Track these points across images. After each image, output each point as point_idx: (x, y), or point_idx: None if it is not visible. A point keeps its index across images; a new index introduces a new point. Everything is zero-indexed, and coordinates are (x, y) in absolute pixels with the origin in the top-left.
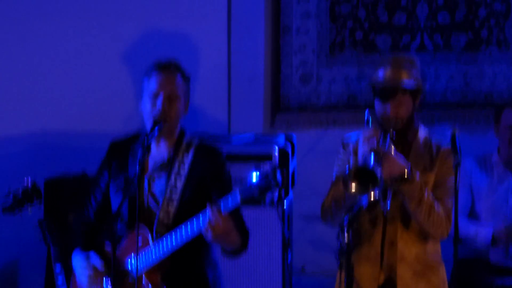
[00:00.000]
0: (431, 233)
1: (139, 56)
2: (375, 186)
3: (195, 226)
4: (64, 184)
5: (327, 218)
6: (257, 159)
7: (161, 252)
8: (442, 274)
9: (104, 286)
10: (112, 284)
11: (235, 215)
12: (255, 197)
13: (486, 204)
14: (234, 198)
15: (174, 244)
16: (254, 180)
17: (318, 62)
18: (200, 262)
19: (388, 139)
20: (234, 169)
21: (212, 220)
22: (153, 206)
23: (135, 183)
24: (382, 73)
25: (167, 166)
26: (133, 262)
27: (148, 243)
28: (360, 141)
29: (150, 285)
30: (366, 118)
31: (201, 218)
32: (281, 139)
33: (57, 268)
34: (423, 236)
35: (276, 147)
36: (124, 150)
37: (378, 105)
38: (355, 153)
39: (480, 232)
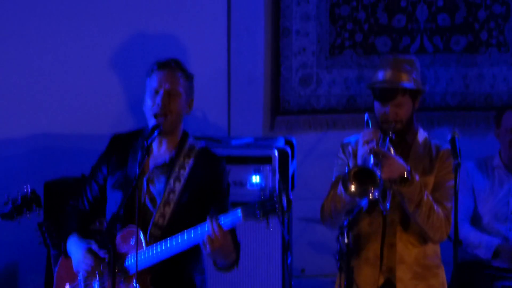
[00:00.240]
0: (431, 235)
1: (139, 58)
2: (374, 187)
3: (193, 237)
4: (64, 187)
5: (326, 221)
6: (257, 162)
7: (155, 257)
8: (442, 276)
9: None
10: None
11: (231, 230)
12: (257, 217)
13: (487, 207)
14: (236, 216)
15: (169, 251)
16: (257, 199)
17: (317, 65)
18: (189, 266)
19: (388, 140)
20: (233, 171)
21: (211, 234)
22: (149, 207)
23: (134, 186)
24: (382, 75)
25: (167, 168)
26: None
27: (141, 246)
28: (360, 142)
29: (138, 286)
30: (365, 120)
31: (199, 230)
32: (281, 141)
33: (56, 269)
34: (423, 239)
35: (276, 150)
36: (125, 146)
37: (377, 106)
38: (355, 155)
39: (484, 242)
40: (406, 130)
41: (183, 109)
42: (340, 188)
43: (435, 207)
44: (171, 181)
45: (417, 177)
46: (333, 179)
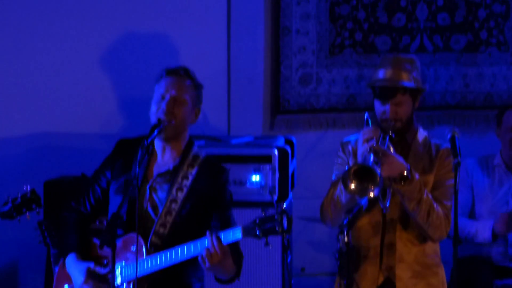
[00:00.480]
0: (430, 234)
1: (140, 57)
2: (374, 186)
3: (192, 250)
4: (64, 186)
5: (326, 219)
6: (257, 161)
7: (153, 266)
8: (441, 275)
9: None
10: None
11: (233, 243)
12: (257, 235)
13: (486, 206)
14: (236, 233)
15: (168, 262)
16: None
17: (317, 64)
18: (188, 273)
19: (388, 139)
20: (233, 170)
21: (210, 249)
22: (151, 214)
23: (134, 184)
24: (382, 73)
25: (170, 177)
26: (124, 268)
27: (141, 254)
28: (360, 141)
29: None
30: (365, 119)
31: (199, 244)
32: (281, 140)
33: (57, 269)
34: (422, 237)
35: (276, 149)
36: (131, 151)
37: (377, 105)
38: (355, 154)
39: (480, 228)
40: (406, 129)
41: (188, 117)
42: (340, 186)
43: (435, 205)
44: (174, 190)
45: (417, 176)
46: (333, 178)
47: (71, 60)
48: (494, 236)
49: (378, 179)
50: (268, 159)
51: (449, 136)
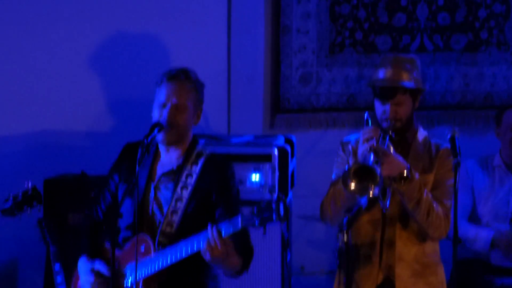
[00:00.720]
0: (430, 233)
1: (141, 56)
2: (374, 185)
3: (195, 244)
4: (64, 184)
5: (326, 218)
6: (257, 160)
7: (160, 263)
8: (441, 274)
9: None
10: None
11: (239, 236)
12: (256, 225)
13: (487, 206)
14: (236, 224)
15: (173, 258)
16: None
17: (318, 63)
18: (200, 273)
19: (388, 139)
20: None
21: (211, 242)
22: (157, 214)
23: (134, 183)
24: (383, 73)
25: (174, 175)
26: (127, 269)
27: (149, 252)
28: (360, 141)
29: None
30: (365, 119)
31: (202, 238)
32: (281, 139)
33: (56, 267)
34: (422, 236)
35: (276, 148)
36: (136, 154)
37: (377, 105)
38: (355, 153)
39: (480, 234)
40: (406, 129)
41: (190, 121)
42: (340, 186)
43: (435, 205)
44: (179, 188)
45: (416, 175)
46: (333, 177)
47: (71, 60)
48: (493, 244)
49: (378, 178)
50: (268, 158)
51: (449, 136)
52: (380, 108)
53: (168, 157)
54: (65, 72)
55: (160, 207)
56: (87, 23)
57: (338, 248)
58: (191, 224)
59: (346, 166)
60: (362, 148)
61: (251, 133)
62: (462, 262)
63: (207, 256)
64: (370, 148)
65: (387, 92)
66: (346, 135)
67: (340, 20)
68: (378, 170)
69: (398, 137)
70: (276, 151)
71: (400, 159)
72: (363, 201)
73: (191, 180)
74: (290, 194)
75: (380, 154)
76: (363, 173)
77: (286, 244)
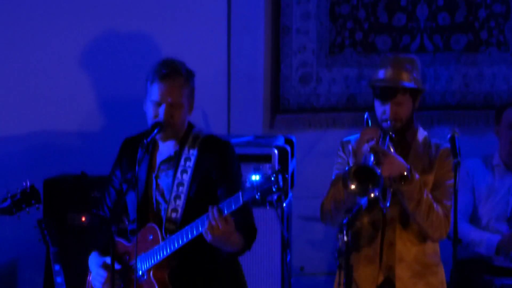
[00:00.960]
0: (430, 234)
1: (142, 55)
2: (374, 186)
3: (199, 226)
4: (63, 184)
5: (326, 219)
6: (257, 160)
7: (166, 250)
8: (441, 274)
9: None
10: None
11: (241, 215)
12: (257, 199)
13: (487, 206)
14: (237, 200)
15: (179, 243)
16: (256, 181)
17: (317, 63)
18: (212, 261)
19: (388, 139)
20: None
21: (212, 221)
22: (161, 202)
23: (130, 179)
24: (383, 73)
25: (173, 161)
26: (138, 260)
27: (158, 241)
28: (360, 141)
29: (156, 284)
30: (365, 119)
31: (205, 219)
32: (281, 140)
33: (56, 267)
34: (422, 237)
35: (276, 148)
36: (135, 147)
37: (377, 105)
38: (355, 154)
39: (485, 240)
40: (406, 129)
41: (186, 115)
42: (340, 186)
43: (435, 205)
44: (178, 173)
45: (416, 176)
46: (333, 178)
47: (71, 60)
48: (498, 250)
49: (378, 179)
50: (268, 158)
51: (449, 136)
52: (380, 108)
53: (166, 146)
54: (64, 72)
55: (162, 195)
56: (88, 24)
57: (338, 248)
58: (195, 207)
59: (346, 167)
60: (362, 149)
61: (251, 133)
62: (462, 262)
63: (208, 237)
64: (370, 149)
65: (387, 92)
66: (346, 135)
67: (340, 20)
68: (378, 170)
69: (398, 137)
70: (276, 152)
71: (400, 159)
72: (363, 201)
73: (190, 163)
74: (289, 195)
75: (380, 155)
76: (363, 174)
77: (286, 245)
